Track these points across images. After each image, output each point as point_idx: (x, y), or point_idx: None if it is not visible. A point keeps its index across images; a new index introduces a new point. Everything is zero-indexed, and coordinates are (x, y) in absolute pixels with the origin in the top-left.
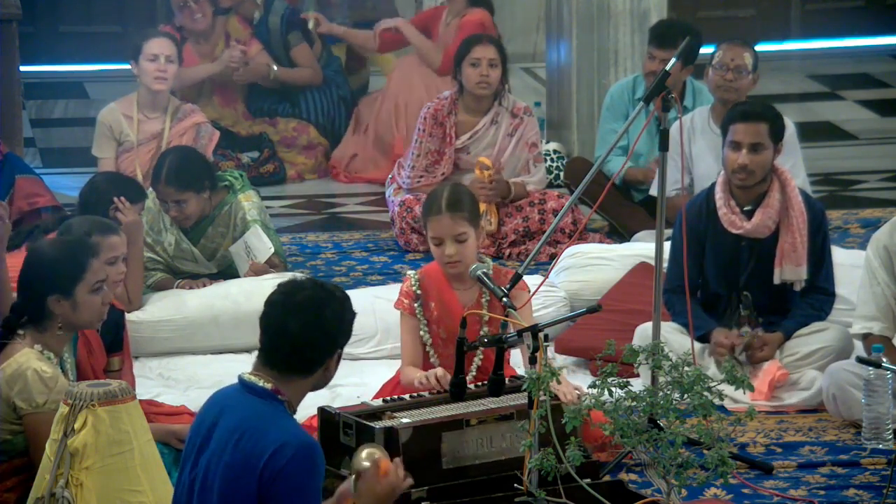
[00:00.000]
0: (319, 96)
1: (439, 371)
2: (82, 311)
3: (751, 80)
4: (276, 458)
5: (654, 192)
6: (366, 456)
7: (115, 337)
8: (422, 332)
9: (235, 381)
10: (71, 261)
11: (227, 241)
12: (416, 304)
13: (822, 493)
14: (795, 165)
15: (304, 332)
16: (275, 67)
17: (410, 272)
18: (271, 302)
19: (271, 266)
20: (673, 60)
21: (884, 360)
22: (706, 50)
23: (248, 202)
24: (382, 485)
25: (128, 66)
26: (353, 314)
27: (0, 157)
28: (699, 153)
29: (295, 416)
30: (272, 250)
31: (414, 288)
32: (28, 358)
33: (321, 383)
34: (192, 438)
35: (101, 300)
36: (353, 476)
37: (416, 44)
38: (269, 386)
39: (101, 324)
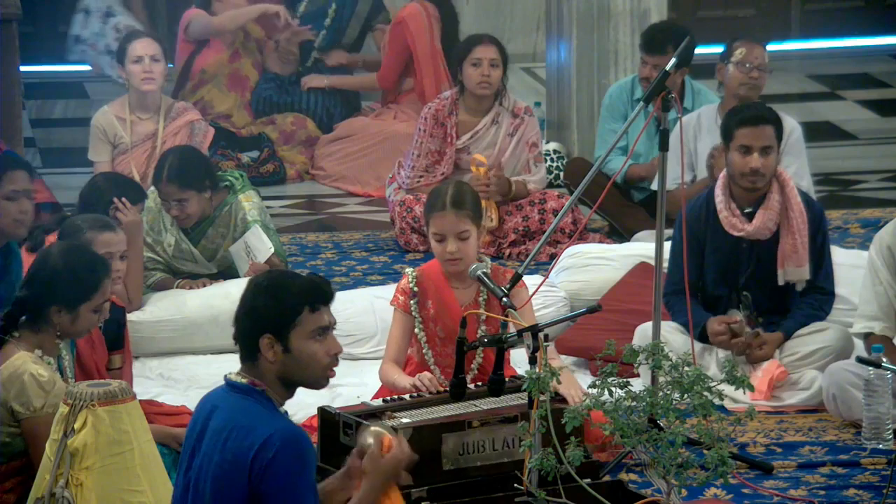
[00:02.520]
0: (318, 90)
1: (421, 377)
2: (80, 325)
3: (766, 77)
4: (263, 453)
5: (655, 186)
6: (367, 435)
7: (116, 334)
8: (417, 331)
9: None
10: (85, 279)
11: (228, 242)
12: (412, 302)
13: (822, 493)
14: (801, 167)
15: (235, 319)
16: (325, 82)
17: (409, 269)
18: None
19: (271, 266)
20: (673, 61)
21: (884, 360)
22: (703, 50)
23: (249, 202)
24: (386, 460)
25: None
26: (284, 301)
27: None
28: (704, 150)
29: (285, 410)
30: (272, 250)
31: (411, 285)
32: (25, 361)
33: (286, 376)
34: (187, 441)
35: (98, 318)
36: (357, 453)
37: (357, 86)
38: (246, 381)
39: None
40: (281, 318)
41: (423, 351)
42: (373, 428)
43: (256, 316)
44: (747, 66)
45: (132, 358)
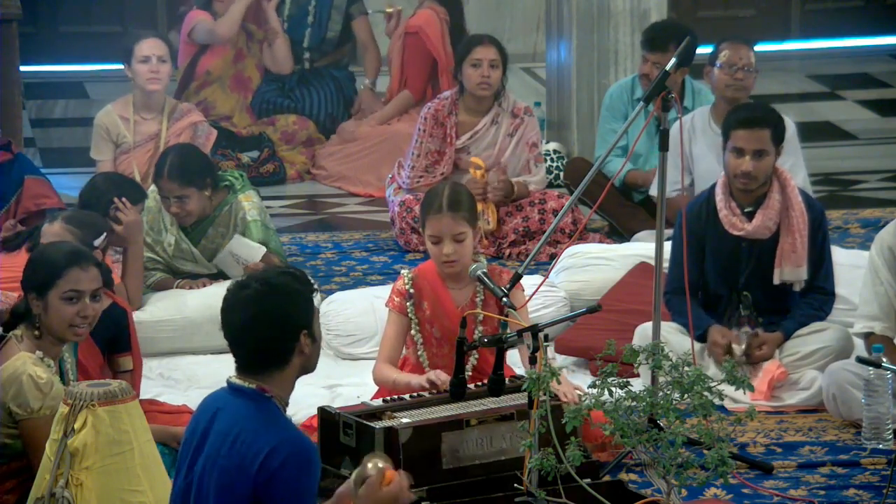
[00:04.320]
0: (319, 91)
1: (433, 374)
2: (51, 317)
3: (755, 78)
4: (270, 460)
5: (653, 192)
6: (372, 465)
7: (114, 336)
8: (413, 332)
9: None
10: (50, 263)
11: (227, 241)
12: (408, 303)
13: (822, 493)
14: (796, 165)
15: (253, 330)
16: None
17: (404, 271)
18: (222, 309)
19: (269, 265)
20: (673, 60)
21: (884, 360)
22: (703, 50)
23: (249, 202)
24: (383, 492)
25: None
26: (301, 293)
27: (11, 157)
28: (700, 153)
29: (288, 412)
30: (263, 249)
31: (407, 287)
32: (24, 362)
33: (307, 366)
34: (187, 443)
35: (75, 311)
36: (355, 481)
37: (392, 112)
38: (253, 386)
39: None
40: (312, 310)
41: (419, 352)
42: (375, 459)
43: (293, 317)
44: (732, 67)
45: (141, 361)
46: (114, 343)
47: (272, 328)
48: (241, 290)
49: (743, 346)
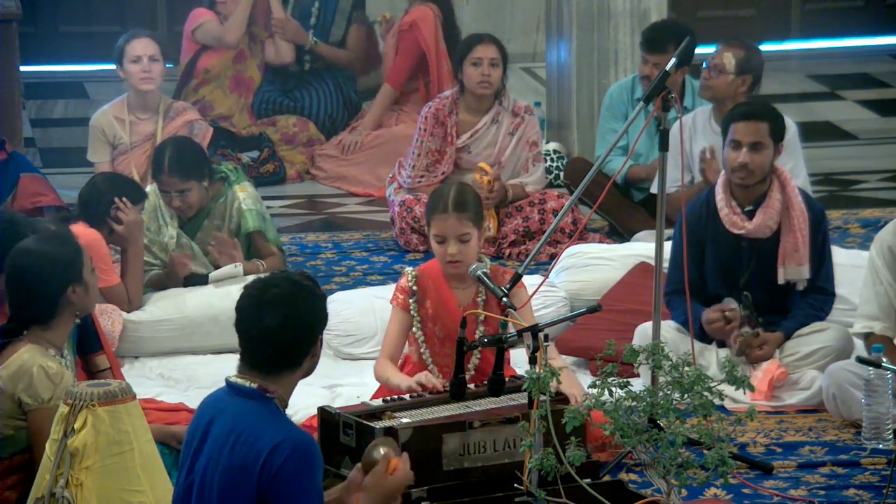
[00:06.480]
0: (319, 92)
1: (422, 376)
2: (91, 293)
3: (729, 81)
4: (273, 458)
5: (654, 190)
6: (378, 452)
7: (84, 338)
8: (415, 330)
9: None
10: (70, 248)
11: (224, 234)
12: (411, 301)
13: (822, 493)
14: (797, 166)
15: (282, 331)
16: (314, 40)
17: (408, 269)
18: (242, 306)
19: (263, 249)
20: (673, 61)
21: (884, 360)
22: (703, 50)
23: (244, 192)
24: (389, 481)
25: None
26: (323, 297)
27: (5, 156)
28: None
29: (289, 413)
30: (238, 266)
31: (410, 284)
32: (33, 354)
33: (310, 371)
34: (188, 444)
35: (96, 278)
36: (364, 466)
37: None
38: (255, 385)
39: None
40: (326, 317)
41: (422, 350)
42: (381, 447)
43: (318, 322)
44: (705, 66)
45: (115, 357)
46: (85, 344)
47: (299, 330)
48: (269, 288)
49: (738, 307)
